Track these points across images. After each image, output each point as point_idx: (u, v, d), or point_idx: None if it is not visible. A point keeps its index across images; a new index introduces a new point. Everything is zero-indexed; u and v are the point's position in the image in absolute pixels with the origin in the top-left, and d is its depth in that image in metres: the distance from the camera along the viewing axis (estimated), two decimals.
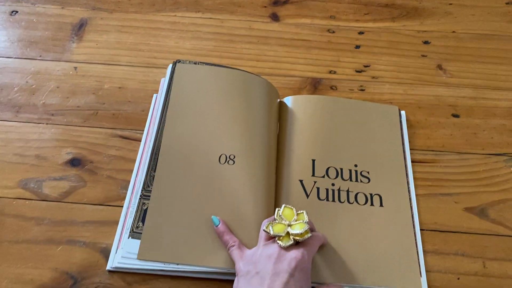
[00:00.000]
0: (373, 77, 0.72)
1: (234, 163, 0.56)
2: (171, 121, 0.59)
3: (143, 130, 0.63)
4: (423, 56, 0.75)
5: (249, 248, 0.49)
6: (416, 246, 0.54)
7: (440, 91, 0.70)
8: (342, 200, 0.56)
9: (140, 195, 0.54)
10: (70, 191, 0.58)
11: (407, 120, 0.66)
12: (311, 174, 0.58)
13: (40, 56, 0.72)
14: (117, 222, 0.55)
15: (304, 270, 0.44)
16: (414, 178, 0.60)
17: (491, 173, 0.61)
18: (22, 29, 0.76)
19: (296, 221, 0.48)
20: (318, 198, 0.56)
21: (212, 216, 0.52)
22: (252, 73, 0.64)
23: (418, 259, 0.53)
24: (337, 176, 0.58)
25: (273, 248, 0.46)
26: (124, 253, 0.51)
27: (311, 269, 0.47)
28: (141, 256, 0.50)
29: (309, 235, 0.47)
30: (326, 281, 0.50)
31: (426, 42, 0.77)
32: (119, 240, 0.53)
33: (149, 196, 0.54)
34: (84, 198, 0.57)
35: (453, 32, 0.78)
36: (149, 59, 0.72)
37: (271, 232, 0.47)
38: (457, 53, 0.75)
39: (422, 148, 0.64)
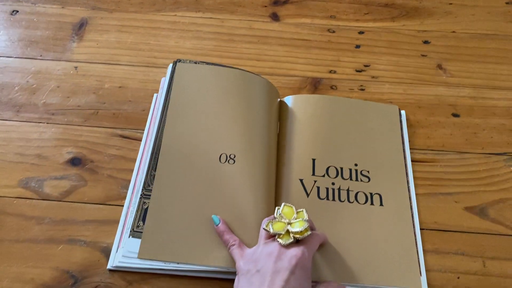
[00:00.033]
0: (373, 77, 0.72)
1: (234, 162, 0.56)
2: (172, 120, 0.59)
3: (144, 130, 0.63)
4: (423, 55, 0.75)
5: (250, 247, 0.49)
6: (416, 245, 0.54)
7: (440, 91, 0.70)
8: (342, 199, 0.56)
9: (141, 195, 0.54)
10: (71, 191, 0.58)
11: (407, 120, 0.66)
12: (311, 173, 0.58)
13: (41, 55, 0.72)
14: (117, 221, 0.55)
15: (305, 267, 0.45)
16: (414, 178, 0.60)
17: (491, 172, 0.62)
18: (22, 28, 0.76)
19: (296, 219, 0.48)
20: (318, 197, 0.56)
21: (213, 216, 0.52)
22: (252, 73, 0.64)
23: (418, 258, 0.53)
24: (337, 175, 0.58)
25: (273, 246, 0.46)
26: (125, 252, 0.51)
27: (311, 267, 0.47)
28: (141, 255, 0.50)
29: (309, 232, 0.47)
30: (326, 280, 0.50)
31: (426, 42, 0.77)
32: (120, 239, 0.53)
33: (150, 195, 0.54)
34: (85, 198, 0.57)
35: (453, 31, 0.78)
36: (150, 59, 0.72)
37: (271, 231, 0.47)
38: (457, 53, 0.75)
39: (422, 148, 0.64)
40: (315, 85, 0.70)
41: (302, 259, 0.45)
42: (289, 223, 0.47)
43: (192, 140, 0.58)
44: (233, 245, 0.49)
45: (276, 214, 0.49)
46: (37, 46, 0.73)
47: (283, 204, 0.50)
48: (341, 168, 0.59)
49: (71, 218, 0.56)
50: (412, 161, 0.62)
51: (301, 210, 0.49)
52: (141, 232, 0.51)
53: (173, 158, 0.56)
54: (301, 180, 0.57)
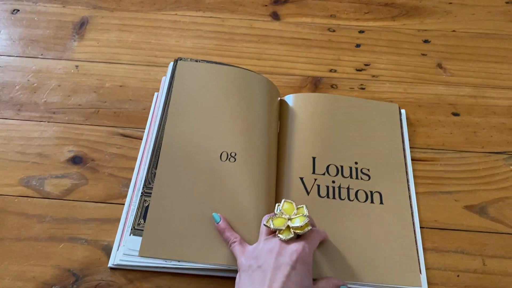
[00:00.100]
0: (373, 76, 0.72)
1: (235, 160, 0.56)
2: (173, 118, 0.59)
3: (144, 128, 0.63)
4: (423, 55, 0.75)
5: (251, 244, 0.50)
6: (416, 244, 0.54)
7: (440, 90, 0.70)
8: (342, 197, 0.56)
9: (142, 192, 0.54)
10: (72, 189, 0.58)
11: (407, 119, 0.66)
12: (312, 171, 0.58)
13: (42, 54, 0.72)
14: (118, 220, 0.55)
15: (305, 262, 0.45)
16: (414, 176, 0.60)
17: (491, 171, 0.62)
18: (23, 27, 0.76)
19: (296, 215, 0.48)
20: (319, 195, 0.56)
21: (213, 213, 0.52)
22: (253, 71, 0.65)
23: (418, 256, 0.53)
24: (337, 174, 0.58)
25: (274, 242, 0.46)
26: (126, 250, 0.51)
27: (312, 264, 0.47)
28: (142, 253, 0.50)
29: (309, 228, 0.47)
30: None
31: (426, 41, 0.77)
32: (121, 238, 0.53)
33: (151, 193, 0.54)
34: (86, 196, 0.57)
35: (453, 31, 0.79)
36: (150, 58, 0.72)
37: (272, 226, 0.47)
38: (457, 52, 0.75)
39: (422, 147, 0.64)
40: (315, 84, 0.70)
41: (303, 254, 0.45)
42: (290, 219, 0.48)
43: (193, 138, 0.58)
44: (234, 242, 0.50)
45: (277, 210, 0.49)
46: (38, 45, 0.73)
47: (283, 200, 0.50)
48: (341, 166, 0.59)
49: (72, 217, 0.56)
50: (412, 160, 0.62)
51: (301, 206, 0.49)
52: (142, 230, 0.52)
53: (174, 156, 0.56)
54: (301, 178, 0.57)
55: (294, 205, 0.49)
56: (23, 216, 0.56)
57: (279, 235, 0.47)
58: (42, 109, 0.66)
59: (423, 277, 0.52)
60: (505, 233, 0.56)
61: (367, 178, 0.58)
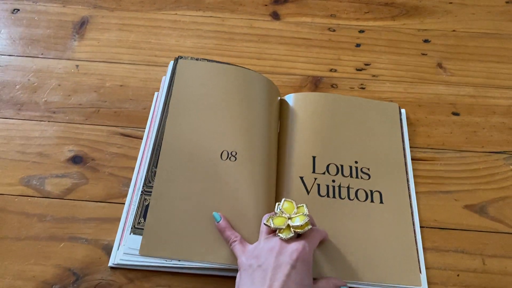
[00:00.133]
0: (374, 75, 0.72)
1: (235, 159, 0.56)
2: (173, 117, 0.59)
3: (145, 128, 0.63)
4: (423, 54, 0.75)
5: (251, 243, 0.50)
6: (416, 243, 0.54)
7: (440, 90, 0.70)
8: (342, 197, 0.56)
9: (142, 191, 0.54)
10: (72, 188, 0.58)
11: (407, 118, 0.66)
12: (312, 170, 0.58)
13: (42, 54, 0.72)
14: (119, 219, 0.55)
15: (306, 261, 0.45)
16: (414, 176, 0.60)
17: (491, 171, 0.62)
18: (23, 27, 0.76)
19: (296, 214, 0.48)
20: (319, 194, 0.56)
21: (214, 212, 0.52)
22: (253, 71, 0.65)
23: (418, 256, 0.53)
24: (337, 173, 0.58)
25: (274, 241, 0.46)
26: (126, 249, 0.51)
27: (312, 263, 0.47)
28: (143, 252, 0.50)
29: (310, 227, 0.47)
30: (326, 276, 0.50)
31: (426, 41, 0.77)
32: (121, 237, 0.53)
33: (151, 192, 0.54)
34: (86, 195, 0.58)
35: (453, 30, 0.79)
36: (150, 57, 0.72)
37: (272, 225, 0.47)
38: (457, 52, 0.75)
39: (422, 146, 0.64)
40: (315, 84, 0.70)
41: (303, 253, 0.45)
42: (290, 218, 0.48)
43: (193, 137, 0.58)
44: (235, 241, 0.50)
45: (277, 209, 0.49)
46: (38, 45, 0.73)
47: (283, 199, 0.50)
48: (342, 166, 0.59)
49: (73, 216, 0.56)
50: (412, 159, 0.62)
51: (301, 205, 0.49)
52: (142, 229, 0.52)
53: (174, 155, 0.56)
54: (301, 178, 0.57)
55: (294, 204, 0.49)
56: (23, 216, 0.56)
57: (279, 234, 0.47)
58: (42, 108, 0.66)
59: (423, 276, 0.52)
60: (505, 233, 0.56)
61: (367, 177, 0.58)
